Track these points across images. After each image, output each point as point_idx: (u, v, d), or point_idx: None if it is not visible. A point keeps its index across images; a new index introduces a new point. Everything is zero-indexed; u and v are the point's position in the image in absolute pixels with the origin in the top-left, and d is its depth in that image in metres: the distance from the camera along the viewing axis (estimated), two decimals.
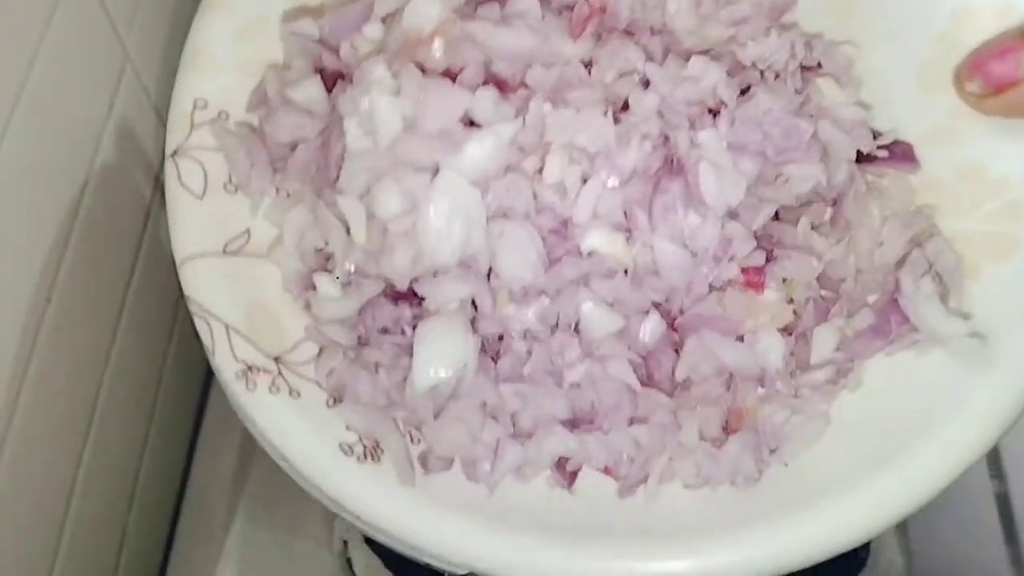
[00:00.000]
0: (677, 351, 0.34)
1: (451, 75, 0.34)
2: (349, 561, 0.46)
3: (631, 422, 0.33)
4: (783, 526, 0.32)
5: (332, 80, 0.37)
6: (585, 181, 0.33)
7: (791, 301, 0.34)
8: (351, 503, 0.34)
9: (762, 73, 0.36)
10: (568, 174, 0.33)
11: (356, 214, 0.34)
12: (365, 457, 0.34)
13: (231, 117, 0.38)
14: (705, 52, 0.36)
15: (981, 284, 0.35)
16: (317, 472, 0.34)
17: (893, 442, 0.33)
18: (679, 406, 0.34)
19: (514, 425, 0.34)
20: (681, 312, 0.34)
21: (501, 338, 0.34)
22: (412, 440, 0.35)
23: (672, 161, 0.33)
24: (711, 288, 0.33)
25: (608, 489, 0.34)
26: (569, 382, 0.33)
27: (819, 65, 0.37)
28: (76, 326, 0.40)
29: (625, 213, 0.33)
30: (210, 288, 0.36)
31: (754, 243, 0.33)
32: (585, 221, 0.33)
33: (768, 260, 0.34)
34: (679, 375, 0.34)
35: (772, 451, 0.33)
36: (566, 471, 0.34)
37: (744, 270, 0.33)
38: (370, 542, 0.45)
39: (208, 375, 0.56)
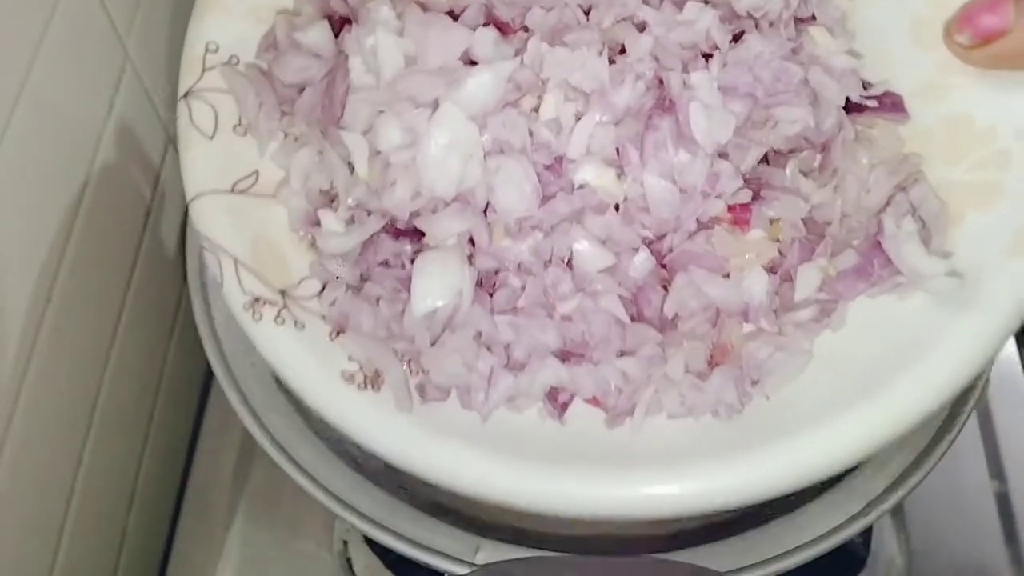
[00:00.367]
0: (666, 288, 0.35)
1: (453, 16, 0.35)
2: (349, 561, 0.47)
3: (620, 355, 0.34)
4: (764, 454, 0.33)
5: (340, 25, 0.38)
6: (579, 119, 0.34)
7: (777, 241, 0.35)
8: (352, 428, 0.35)
9: (756, 22, 0.36)
10: (563, 111, 0.34)
11: (359, 148, 0.35)
12: (366, 385, 0.35)
13: (241, 61, 0.39)
14: None
15: (964, 230, 0.35)
16: (320, 399, 0.36)
17: (874, 377, 0.33)
18: (667, 342, 0.35)
19: (508, 357, 0.35)
20: (670, 251, 0.35)
21: (497, 273, 0.35)
22: (411, 372, 0.36)
23: (665, 101, 0.34)
24: (699, 225, 0.34)
25: (597, 420, 0.35)
26: (561, 314, 0.34)
27: (813, 17, 0.38)
28: (76, 326, 0.40)
29: (617, 150, 0.34)
30: (219, 223, 0.37)
31: (741, 181, 0.34)
32: (578, 156, 0.34)
33: (756, 200, 0.35)
34: (668, 311, 0.35)
35: (755, 383, 0.34)
36: (557, 402, 0.35)
37: (731, 208, 0.34)
38: (370, 542, 0.45)
39: (208, 375, 0.55)
